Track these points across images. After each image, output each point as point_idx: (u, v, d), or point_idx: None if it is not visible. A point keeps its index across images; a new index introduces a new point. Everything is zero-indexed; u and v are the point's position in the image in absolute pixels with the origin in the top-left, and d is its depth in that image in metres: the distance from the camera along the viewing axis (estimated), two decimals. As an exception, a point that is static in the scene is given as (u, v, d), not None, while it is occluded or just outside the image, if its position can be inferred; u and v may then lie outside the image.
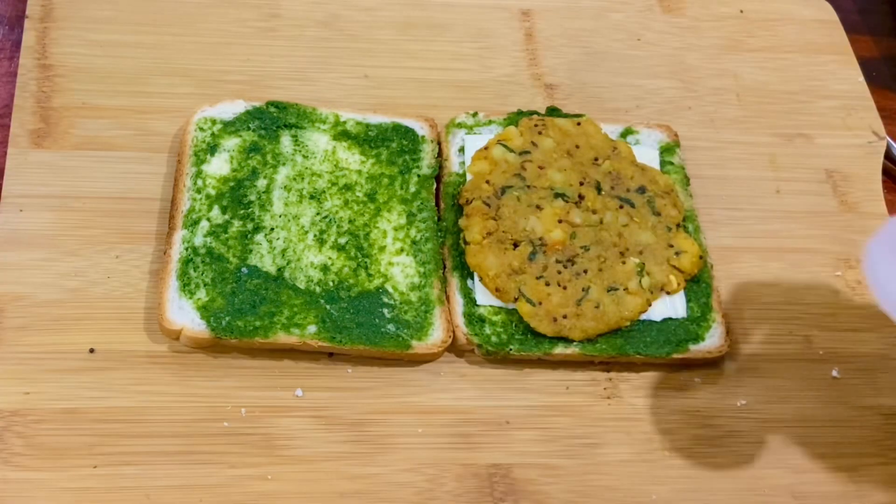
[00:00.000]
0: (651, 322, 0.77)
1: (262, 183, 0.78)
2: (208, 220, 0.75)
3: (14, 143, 0.78)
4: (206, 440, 0.69)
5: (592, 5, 0.97)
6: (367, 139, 0.82)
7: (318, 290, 0.74)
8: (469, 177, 0.80)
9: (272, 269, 0.74)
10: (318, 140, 0.81)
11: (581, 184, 0.80)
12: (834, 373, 0.80)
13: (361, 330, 0.73)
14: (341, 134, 0.82)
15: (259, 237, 0.75)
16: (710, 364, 0.78)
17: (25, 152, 0.78)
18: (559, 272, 0.76)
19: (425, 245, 0.78)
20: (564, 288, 0.75)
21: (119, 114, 0.82)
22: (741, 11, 1.00)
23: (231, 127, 0.80)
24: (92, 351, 0.71)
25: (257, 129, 0.80)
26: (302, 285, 0.74)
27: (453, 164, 0.83)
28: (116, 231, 0.76)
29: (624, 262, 0.78)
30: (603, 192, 0.80)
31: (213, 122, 0.80)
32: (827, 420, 0.78)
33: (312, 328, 0.72)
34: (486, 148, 0.81)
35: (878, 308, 0.84)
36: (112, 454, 0.68)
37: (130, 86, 0.83)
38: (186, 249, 0.74)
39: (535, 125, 0.82)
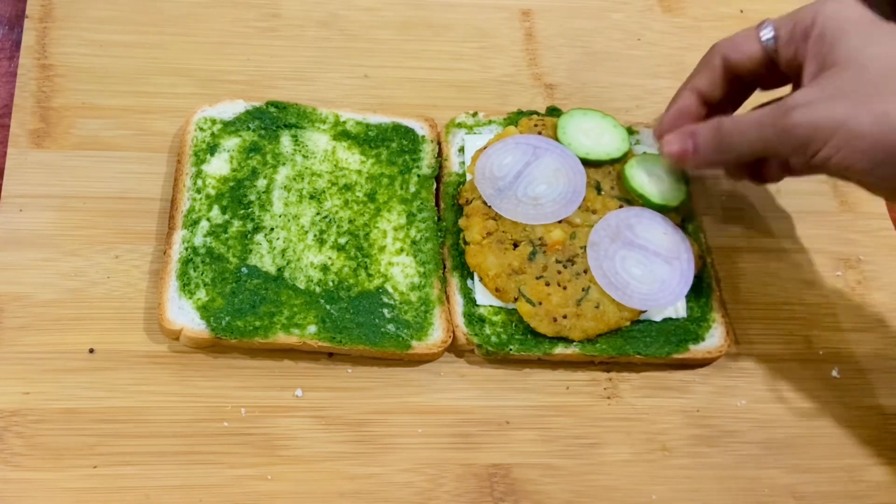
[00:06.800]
0: (651, 322, 0.77)
1: (262, 183, 0.78)
2: (208, 220, 0.75)
3: (14, 143, 0.78)
4: (206, 440, 0.69)
5: (592, 5, 0.97)
6: (367, 139, 0.82)
7: (318, 290, 0.74)
8: (469, 177, 0.80)
9: (272, 269, 0.74)
10: (318, 140, 0.81)
11: (581, 184, 0.80)
12: (834, 373, 0.80)
13: (361, 330, 0.73)
14: (341, 134, 0.82)
15: (259, 237, 0.75)
16: (711, 364, 0.78)
17: (25, 152, 0.78)
18: (559, 272, 0.76)
19: (425, 245, 0.78)
20: (564, 288, 0.75)
21: (119, 114, 0.82)
22: (741, 11, 1.00)
23: (231, 127, 0.80)
24: (92, 351, 0.71)
25: (257, 129, 0.80)
26: (302, 285, 0.74)
27: (453, 164, 0.83)
28: (116, 231, 0.76)
29: (624, 262, 0.78)
30: (603, 192, 0.80)
31: (213, 121, 0.80)
32: (827, 420, 0.78)
33: (312, 328, 0.72)
34: (485, 148, 0.81)
35: (878, 308, 0.84)
36: (112, 454, 0.68)
37: (130, 86, 0.83)
38: (186, 249, 0.74)
39: (535, 125, 0.82)
